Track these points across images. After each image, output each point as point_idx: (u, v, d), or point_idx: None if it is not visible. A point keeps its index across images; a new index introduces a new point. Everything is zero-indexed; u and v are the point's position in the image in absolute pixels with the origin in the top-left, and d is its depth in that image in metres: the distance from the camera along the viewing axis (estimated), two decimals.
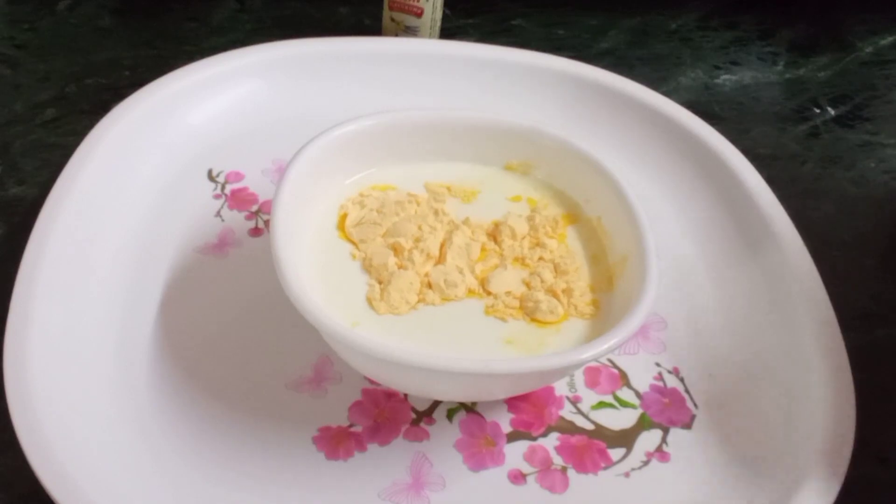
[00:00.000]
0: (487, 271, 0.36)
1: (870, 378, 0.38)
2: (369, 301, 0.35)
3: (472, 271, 0.36)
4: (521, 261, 0.37)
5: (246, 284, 0.39)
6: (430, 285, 0.35)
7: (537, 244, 0.37)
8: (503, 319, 0.35)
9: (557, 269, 0.37)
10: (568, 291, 0.36)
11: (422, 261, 0.36)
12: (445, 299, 0.35)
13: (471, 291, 0.35)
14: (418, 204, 0.38)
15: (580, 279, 0.36)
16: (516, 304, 0.35)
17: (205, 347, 0.37)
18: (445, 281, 0.35)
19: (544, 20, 0.58)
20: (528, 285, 0.36)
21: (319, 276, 0.35)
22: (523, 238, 0.37)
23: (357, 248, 0.36)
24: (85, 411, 0.34)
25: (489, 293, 0.36)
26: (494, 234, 0.38)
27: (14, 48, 0.52)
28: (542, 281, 0.36)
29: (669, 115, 0.47)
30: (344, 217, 0.37)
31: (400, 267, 0.36)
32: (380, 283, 0.35)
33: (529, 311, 0.35)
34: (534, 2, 0.59)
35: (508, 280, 0.36)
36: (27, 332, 0.34)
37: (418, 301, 0.35)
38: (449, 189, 0.39)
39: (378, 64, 0.48)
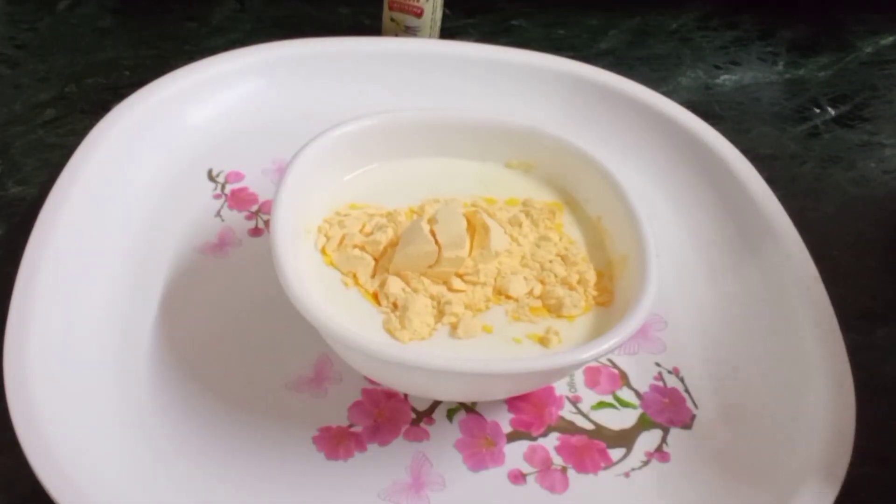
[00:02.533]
0: (500, 277, 0.36)
1: (870, 378, 0.38)
2: (390, 332, 0.34)
3: (489, 283, 0.36)
4: (528, 258, 0.37)
5: (246, 284, 0.39)
6: (442, 313, 0.34)
7: (542, 239, 0.37)
8: (532, 322, 0.35)
9: (566, 261, 0.37)
10: (583, 282, 0.36)
11: (431, 283, 0.35)
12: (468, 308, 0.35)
13: (489, 299, 0.35)
14: (398, 223, 0.37)
15: (590, 268, 0.36)
16: (539, 304, 0.35)
17: (205, 347, 0.37)
18: (459, 323, 0.34)
19: (544, 20, 0.58)
20: (542, 282, 0.36)
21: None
22: (526, 236, 0.37)
23: (345, 275, 0.35)
24: (85, 411, 0.34)
25: (510, 297, 0.35)
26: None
27: (14, 48, 0.52)
28: (556, 275, 0.36)
29: (669, 115, 0.47)
30: (323, 241, 0.36)
31: (415, 291, 0.35)
32: (395, 309, 0.34)
33: (554, 309, 0.35)
34: (534, 2, 0.59)
35: (523, 282, 0.36)
36: (27, 332, 0.34)
37: (437, 322, 0.34)
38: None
39: (378, 64, 0.48)
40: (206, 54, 0.47)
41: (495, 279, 0.36)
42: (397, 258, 0.35)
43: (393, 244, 0.36)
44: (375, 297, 0.35)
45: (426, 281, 0.35)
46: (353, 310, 0.34)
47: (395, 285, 0.35)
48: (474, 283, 0.35)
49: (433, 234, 0.35)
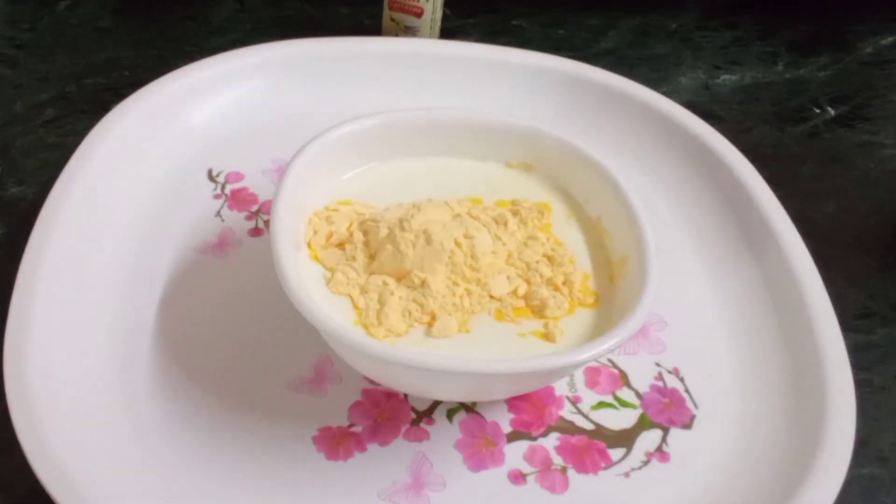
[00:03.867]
0: (483, 276, 0.36)
1: (870, 378, 0.38)
2: (365, 328, 0.34)
3: (468, 282, 0.36)
4: (514, 257, 0.37)
5: (246, 284, 0.39)
6: (420, 311, 0.35)
7: (530, 238, 0.37)
8: (514, 322, 0.35)
9: (553, 262, 0.37)
10: (568, 283, 0.36)
11: (412, 284, 0.35)
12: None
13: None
14: (380, 227, 0.37)
15: (576, 269, 0.36)
16: (522, 303, 0.35)
17: (205, 347, 0.37)
18: (439, 322, 0.34)
19: (544, 20, 0.58)
20: (527, 282, 0.36)
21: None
22: (513, 234, 0.37)
23: (328, 270, 0.36)
24: (84, 411, 0.34)
25: (492, 297, 0.35)
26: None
27: (14, 48, 0.52)
28: (541, 275, 0.36)
29: (669, 115, 0.47)
30: (310, 234, 0.37)
31: (393, 291, 0.35)
32: (373, 305, 0.34)
33: (537, 310, 0.35)
34: (534, 2, 0.59)
35: (507, 281, 0.36)
36: (27, 333, 0.34)
37: (414, 320, 0.34)
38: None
39: (378, 64, 0.48)
40: (206, 54, 0.47)
41: (478, 279, 0.36)
42: (375, 264, 0.35)
43: (376, 245, 0.36)
44: (356, 292, 0.35)
45: (405, 279, 0.35)
46: (332, 304, 0.34)
47: (374, 282, 0.35)
48: (455, 283, 0.35)
49: (403, 250, 0.35)
